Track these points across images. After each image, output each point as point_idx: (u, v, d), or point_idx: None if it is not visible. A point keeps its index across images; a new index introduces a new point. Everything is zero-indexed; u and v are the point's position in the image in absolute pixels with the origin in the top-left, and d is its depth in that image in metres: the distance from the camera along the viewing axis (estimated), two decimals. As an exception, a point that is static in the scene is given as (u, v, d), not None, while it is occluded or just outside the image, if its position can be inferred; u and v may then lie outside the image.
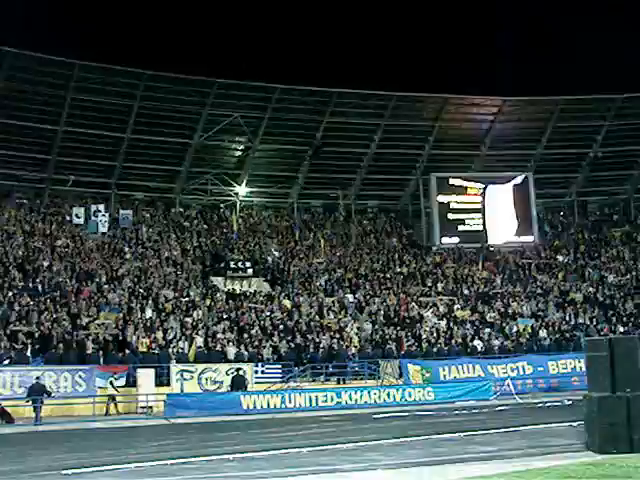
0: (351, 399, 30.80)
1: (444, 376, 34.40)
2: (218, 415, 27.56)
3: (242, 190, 47.66)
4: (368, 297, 41.02)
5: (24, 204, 43.09)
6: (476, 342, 37.44)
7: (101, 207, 43.42)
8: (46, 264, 37.58)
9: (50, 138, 42.60)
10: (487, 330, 38.69)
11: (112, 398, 29.09)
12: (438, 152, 49.17)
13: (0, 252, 37.59)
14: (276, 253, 44.34)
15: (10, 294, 33.98)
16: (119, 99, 42.09)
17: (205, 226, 46.57)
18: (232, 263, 41.79)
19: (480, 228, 47.99)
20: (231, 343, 34.08)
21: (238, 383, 30.77)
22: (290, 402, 29.97)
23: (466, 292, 43.38)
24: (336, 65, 49.05)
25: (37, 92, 40.25)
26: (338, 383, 33.18)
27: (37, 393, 27.10)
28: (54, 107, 41.40)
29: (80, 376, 29.55)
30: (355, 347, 35.84)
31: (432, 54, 51.14)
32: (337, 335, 36.36)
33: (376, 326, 38.05)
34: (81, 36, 44.88)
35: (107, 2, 48.39)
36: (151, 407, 29.46)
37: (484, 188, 48.29)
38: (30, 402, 27.01)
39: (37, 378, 27.69)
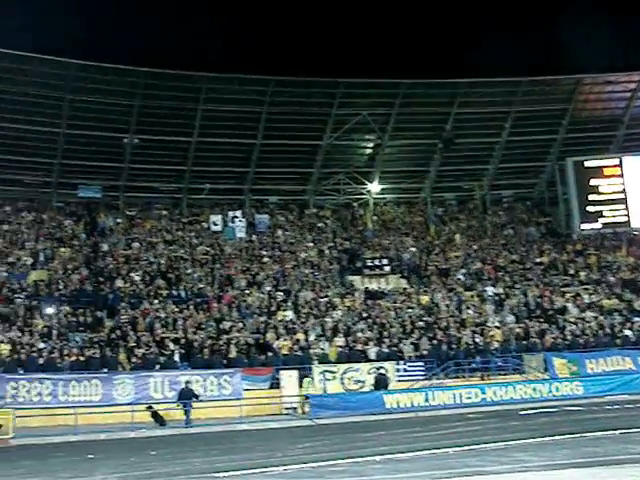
0: (496, 395, 30.17)
1: (591, 369, 33.13)
2: (361, 415, 27.62)
3: (374, 187, 47.57)
4: (508, 290, 40.06)
5: (164, 215, 44.68)
6: (627, 332, 35.82)
7: (238, 213, 44.48)
8: (188, 272, 38.86)
9: (185, 149, 43.99)
10: (637, 319, 36.94)
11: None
12: (573, 136, 47.38)
13: (144, 262, 39.17)
14: (413, 249, 44.07)
15: (156, 302, 35.35)
16: (248, 107, 42.89)
17: (340, 225, 46.81)
18: (368, 261, 41.84)
19: (622, 211, 45.82)
20: (371, 342, 34.10)
21: (380, 382, 30.72)
22: (433, 400, 29.67)
23: (611, 280, 41.60)
24: (462, 55, 48.12)
25: (170, 107, 41.58)
26: (481, 379, 32.55)
27: (186, 397, 28.03)
28: (187, 120, 42.69)
29: (225, 380, 30.35)
30: (497, 342, 35.07)
31: (560, 34, 49.21)
32: (478, 330, 35.71)
33: (518, 319, 37.10)
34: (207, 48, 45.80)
35: (228, 10, 49.23)
36: (295, 408, 29.89)
37: (624, 169, 46.08)
38: (180, 405, 27.99)
39: (187, 382, 28.66)
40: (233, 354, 32.20)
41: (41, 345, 30.79)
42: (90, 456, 19.14)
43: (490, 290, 39.82)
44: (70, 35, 37.35)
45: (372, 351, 33.50)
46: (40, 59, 37.69)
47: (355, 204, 48.46)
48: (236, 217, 44.21)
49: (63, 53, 37.72)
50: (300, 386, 30.46)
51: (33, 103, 39.71)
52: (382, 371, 31.36)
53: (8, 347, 30.13)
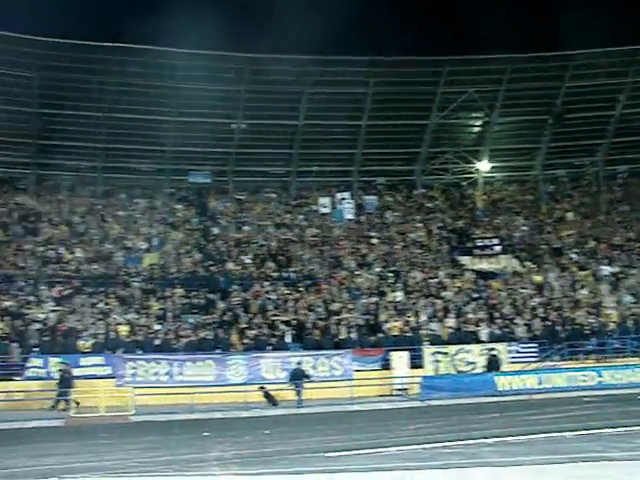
0: (614, 378, 29.21)
1: None
2: (472, 397, 27.28)
3: (483, 166, 46.65)
4: (625, 269, 38.63)
5: (273, 198, 45.21)
6: None
7: (346, 195, 44.56)
8: (298, 254, 39.26)
9: (292, 133, 44.30)
10: None
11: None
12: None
13: (255, 245, 39.82)
14: (524, 228, 43.07)
15: (267, 284, 35.90)
16: (354, 88, 42.76)
17: (448, 205, 46.23)
18: (479, 241, 41.19)
19: None
20: (483, 323, 33.60)
21: (492, 364, 30.26)
22: (547, 382, 29.00)
23: None
24: (571, 25, 46.36)
25: (276, 91, 41.90)
26: (597, 361, 31.56)
27: (298, 377, 28.38)
28: (294, 103, 42.96)
29: (336, 360, 30.56)
30: (613, 323, 33.90)
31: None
32: (593, 310, 34.63)
33: (637, 299, 35.75)
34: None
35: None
36: (406, 389, 29.81)
37: None
38: (292, 386, 28.36)
39: (298, 363, 29.02)
40: (343, 335, 32.38)
41: (157, 327, 31.80)
42: (206, 434, 19.64)
43: (606, 269, 38.51)
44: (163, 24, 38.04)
45: (483, 332, 33.02)
46: (144, 50, 38.58)
47: (464, 183, 47.69)
48: (344, 199, 44.31)
49: (170, 43, 38.59)
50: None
51: (144, 93, 40.83)
52: (494, 352, 30.88)
53: (127, 329, 31.26)
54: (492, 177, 47.72)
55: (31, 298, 32.48)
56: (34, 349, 29.40)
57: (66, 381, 27.04)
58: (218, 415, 25.58)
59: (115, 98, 40.56)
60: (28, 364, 28.54)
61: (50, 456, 16.13)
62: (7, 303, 31.81)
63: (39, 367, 28.51)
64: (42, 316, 31.37)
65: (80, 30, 36.97)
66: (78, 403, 25.94)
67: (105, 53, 38.33)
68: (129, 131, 42.04)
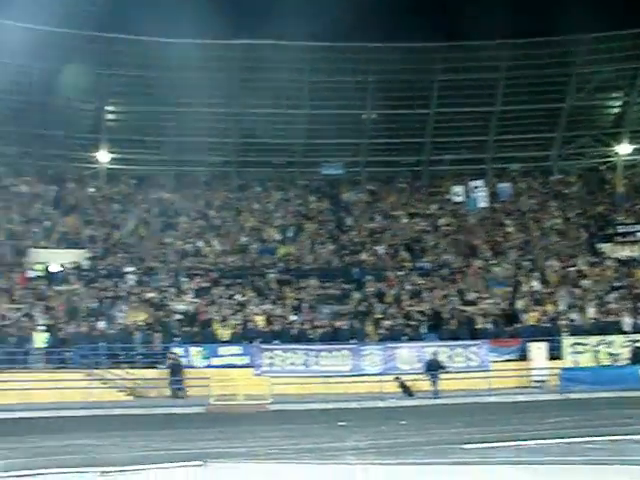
0: None
1: None
2: (615, 390, 26.23)
3: (624, 149, 44.69)
4: None
5: (405, 188, 44.99)
6: None
7: (479, 182, 43.73)
8: (431, 243, 38.94)
9: (423, 122, 43.91)
10: None
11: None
12: None
13: (388, 235, 39.78)
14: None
15: (401, 274, 35.81)
16: (485, 73, 41.89)
17: (587, 191, 44.58)
18: (620, 228, 39.52)
19: None
20: (625, 313, 32.24)
21: (638, 355, 29.00)
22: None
23: None
24: None
25: (405, 80, 41.67)
26: None
27: (433, 368, 28.17)
28: (423, 91, 42.57)
29: (472, 351, 30.14)
30: None
31: None
32: None
33: None
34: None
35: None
36: (544, 381, 29.05)
37: None
38: (427, 376, 28.19)
39: (433, 354, 28.82)
40: (480, 325, 31.88)
41: (293, 317, 32.33)
42: (341, 423, 19.81)
43: None
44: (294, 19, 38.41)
45: (626, 322, 31.66)
46: (276, 45, 39.21)
47: (602, 168, 45.85)
48: (478, 187, 43.48)
49: (299, 37, 39.00)
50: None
51: (275, 88, 41.56)
52: (639, 344, 29.56)
53: (263, 319, 31.96)
54: (633, 160, 45.63)
55: (172, 290, 33.76)
56: (175, 338, 30.55)
57: (176, 369, 28.02)
58: (353, 405, 25.74)
59: (239, 93, 41.51)
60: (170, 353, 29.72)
61: (195, 441, 16.72)
62: (150, 295, 33.20)
63: (181, 356, 29.62)
64: (182, 307, 32.55)
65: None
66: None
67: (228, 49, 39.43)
68: (262, 125, 42.86)
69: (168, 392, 28.10)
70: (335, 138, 43.94)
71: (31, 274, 34.34)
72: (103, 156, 43.19)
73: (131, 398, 27.20)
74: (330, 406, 25.41)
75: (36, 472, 11.83)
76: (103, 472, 11.65)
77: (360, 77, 41.64)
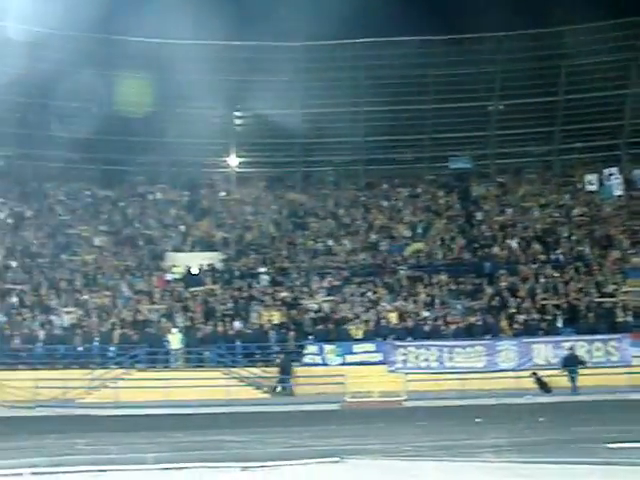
0: None
1: None
2: None
3: None
4: None
5: (535, 179, 43.87)
6: None
7: (614, 170, 42.07)
8: (565, 235, 37.79)
9: (552, 110, 42.66)
10: None
11: None
12: None
13: (520, 227, 38.90)
14: None
15: (534, 267, 34.94)
16: (614, 55, 40.19)
17: None
18: None
19: None
20: None
21: None
22: None
23: None
24: None
25: (531, 68, 40.63)
26: None
27: (571, 363, 27.35)
28: (550, 78, 41.36)
29: (612, 345, 29.05)
30: None
31: None
32: None
33: None
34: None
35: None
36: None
37: None
38: (565, 372, 27.39)
39: (570, 348, 27.98)
40: (620, 318, 30.68)
41: (425, 313, 32.14)
42: (478, 420, 19.53)
43: None
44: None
45: None
46: (401, 41, 39.08)
47: None
48: (612, 174, 41.85)
49: (419, 32, 38.81)
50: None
51: (399, 84, 41.46)
52: None
53: (396, 316, 31.93)
54: None
55: (304, 289, 34.26)
56: (309, 337, 30.98)
57: (286, 367, 28.29)
58: (489, 401, 25.32)
59: (370, 91, 41.63)
60: (305, 351, 30.17)
61: (332, 438, 16.89)
62: (283, 294, 33.82)
63: (315, 354, 30.05)
64: (315, 305, 32.98)
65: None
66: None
67: (355, 49, 39.72)
68: (387, 123, 42.85)
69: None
70: (462, 131, 43.39)
71: (169, 277, 35.70)
72: (233, 160, 44.42)
73: (267, 395, 27.79)
74: (465, 403, 25.11)
75: (181, 466, 12.29)
76: (244, 467, 11.99)
77: (485, 68, 40.91)
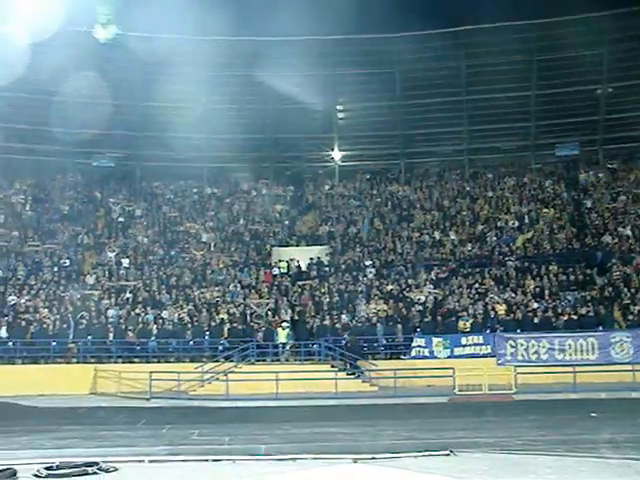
0: None
1: None
2: None
3: None
4: None
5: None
6: None
7: None
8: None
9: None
10: None
11: None
12: None
13: (632, 215, 37.53)
14: None
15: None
16: None
17: None
18: None
19: None
20: None
21: None
22: None
23: None
24: None
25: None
26: None
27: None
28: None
29: None
30: None
31: None
32: None
33: None
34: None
35: None
36: None
37: None
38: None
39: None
40: None
41: (534, 305, 31.44)
42: (593, 414, 19.02)
43: None
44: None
45: None
46: (503, 27, 38.32)
47: None
48: None
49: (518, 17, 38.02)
50: None
51: (501, 71, 40.71)
52: None
53: (504, 307, 31.36)
54: None
55: (410, 281, 34.06)
56: (417, 329, 30.80)
57: (353, 346, 28.40)
58: (603, 395, 24.57)
59: (472, 80, 41.05)
60: (412, 344, 30.03)
61: (441, 431, 16.81)
62: (389, 287, 33.73)
63: (422, 346, 29.85)
64: (422, 298, 32.74)
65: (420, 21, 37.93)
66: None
67: (455, 38, 39.15)
68: (491, 111, 42.16)
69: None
70: (569, 117, 42.18)
71: (275, 271, 36.18)
72: (337, 154, 44.67)
73: (376, 389, 27.78)
74: (577, 396, 24.45)
75: (294, 457, 12.48)
76: (355, 459, 12.07)
77: (592, 50, 39.61)
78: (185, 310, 32.40)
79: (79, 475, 11.36)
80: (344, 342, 29.42)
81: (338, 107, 44.03)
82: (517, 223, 38.43)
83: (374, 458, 12.19)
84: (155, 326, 31.31)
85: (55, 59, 33.32)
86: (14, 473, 11.27)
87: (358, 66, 41.36)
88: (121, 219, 40.74)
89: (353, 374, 28.12)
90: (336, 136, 44.39)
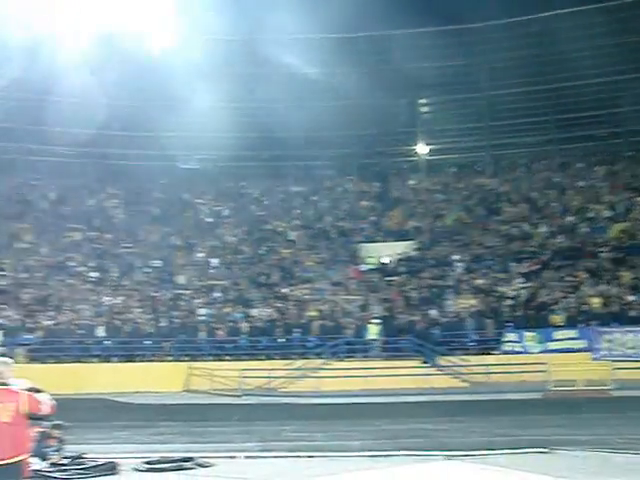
0: None
1: None
2: None
3: None
4: None
5: None
6: None
7: None
8: None
9: None
10: None
11: None
12: None
13: None
14: None
15: None
16: None
17: None
18: None
19: None
20: None
21: None
22: None
23: None
24: None
25: None
26: None
27: None
28: None
29: None
30: None
31: None
32: None
33: None
34: None
35: None
36: None
37: None
38: None
39: None
40: None
41: (630, 297, 30.44)
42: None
43: None
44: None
45: None
46: (581, 12, 37.39)
47: None
48: None
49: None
50: None
51: (586, 57, 39.55)
52: None
53: (598, 301, 30.48)
54: None
55: (500, 275, 33.47)
56: (507, 324, 30.25)
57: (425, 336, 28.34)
58: None
59: (558, 67, 40.06)
60: (503, 338, 29.51)
61: (536, 427, 16.45)
62: (479, 281, 33.25)
63: (514, 341, 29.31)
64: (512, 292, 32.14)
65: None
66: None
67: (539, 24, 38.46)
68: (579, 99, 41.08)
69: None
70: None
71: (364, 267, 36.12)
72: (421, 148, 44.30)
73: (467, 385, 27.43)
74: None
75: (384, 454, 12.42)
76: (448, 456, 11.91)
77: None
78: (274, 308, 32.70)
79: (176, 470, 11.62)
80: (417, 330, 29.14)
81: (421, 101, 43.67)
82: (610, 213, 37.27)
83: (467, 455, 12.01)
84: (245, 324, 31.70)
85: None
86: (115, 467, 11.63)
87: (442, 59, 40.87)
88: (209, 219, 41.40)
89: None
90: (420, 130, 44.04)
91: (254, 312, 32.50)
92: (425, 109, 44.35)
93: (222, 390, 27.05)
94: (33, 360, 28.68)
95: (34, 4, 31.14)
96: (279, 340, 31.00)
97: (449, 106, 43.45)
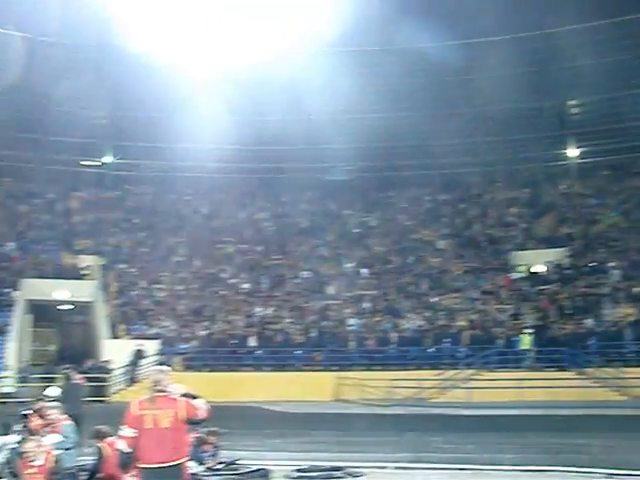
0: None
1: None
2: None
3: None
4: None
5: None
6: None
7: None
8: None
9: None
10: None
11: None
12: None
13: None
14: None
15: None
16: None
17: None
18: None
19: None
20: None
21: None
22: None
23: None
24: None
25: None
26: None
27: None
28: None
29: None
30: None
31: None
32: None
33: None
34: None
35: None
36: None
37: None
38: None
39: None
40: None
41: None
42: None
43: None
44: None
45: None
46: None
47: None
48: None
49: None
50: None
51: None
52: None
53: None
54: None
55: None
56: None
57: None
58: None
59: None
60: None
61: None
62: (637, 289, 31.65)
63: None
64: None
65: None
66: None
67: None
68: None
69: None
70: None
71: (515, 276, 35.24)
72: (572, 151, 42.75)
73: (625, 398, 26.14)
74: None
75: (541, 468, 11.98)
76: (610, 474, 11.31)
77: None
78: (423, 317, 32.45)
79: (326, 478, 11.71)
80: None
81: (570, 102, 42.14)
82: None
83: (630, 475, 11.36)
84: (394, 334, 31.63)
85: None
86: (267, 473, 11.87)
87: (596, 55, 39.09)
88: (357, 230, 41.64)
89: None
90: (569, 132, 42.46)
91: (403, 322, 32.39)
92: (575, 110, 42.68)
93: (371, 400, 27.07)
94: (189, 369, 29.84)
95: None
96: (429, 350, 30.75)
97: (602, 106, 41.59)
